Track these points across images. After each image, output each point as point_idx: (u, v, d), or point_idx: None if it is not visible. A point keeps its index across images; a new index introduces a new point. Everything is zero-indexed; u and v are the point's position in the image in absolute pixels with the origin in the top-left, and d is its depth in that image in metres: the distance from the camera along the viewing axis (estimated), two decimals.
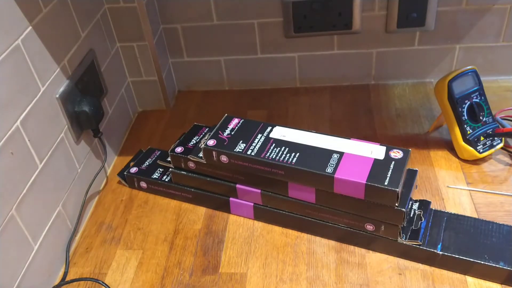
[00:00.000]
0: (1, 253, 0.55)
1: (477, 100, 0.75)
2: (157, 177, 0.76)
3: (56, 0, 0.68)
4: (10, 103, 0.57)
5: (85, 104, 0.71)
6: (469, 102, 0.74)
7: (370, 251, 0.65)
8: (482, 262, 0.58)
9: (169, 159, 0.73)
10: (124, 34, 0.88)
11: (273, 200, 0.67)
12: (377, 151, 0.62)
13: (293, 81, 0.98)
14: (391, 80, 0.96)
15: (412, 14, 0.87)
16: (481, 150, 0.74)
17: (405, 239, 0.61)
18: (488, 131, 0.75)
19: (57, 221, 0.67)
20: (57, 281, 0.66)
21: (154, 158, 0.79)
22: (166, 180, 0.75)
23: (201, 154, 0.68)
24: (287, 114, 0.91)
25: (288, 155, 0.63)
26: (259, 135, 0.67)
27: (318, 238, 0.67)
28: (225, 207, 0.72)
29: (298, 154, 0.63)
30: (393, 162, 0.60)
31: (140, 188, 0.78)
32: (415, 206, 0.65)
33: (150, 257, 0.67)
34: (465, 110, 0.74)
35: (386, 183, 0.58)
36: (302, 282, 0.62)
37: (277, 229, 0.69)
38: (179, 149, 0.71)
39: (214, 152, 0.66)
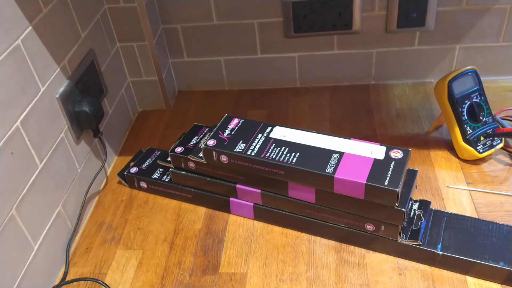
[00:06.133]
0: (1, 253, 0.55)
1: (477, 100, 0.75)
2: (157, 177, 0.76)
3: (56, 0, 0.68)
4: (10, 103, 0.57)
5: (85, 104, 0.71)
6: (469, 102, 0.74)
7: (370, 251, 0.65)
8: (482, 262, 0.58)
9: (169, 159, 0.73)
10: (124, 34, 0.88)
11: (273, 200, 0.67)
12: (377, 151, 0.62)
13: (293, 81, 0.98)
14: (391, 80, 0.96)
15: (412, 14, 0.87)
16: (481, 150, 0.74)
17: (405, 239, 0.61)
18: (488, 131, 0.75)
19: (57, 221, 0.67)
20: (57, 281, 0.66)
21: (154, 158, 0.79)
22: (166, 180, 0.75)
23: (201, 154, 0.68)
24: (287, 114, 0.91)
25: (288, 155, 0.63)
26: (259, 135, 0.67)
27: (318, 238, 0.67)
28: (225, 207, 0.72)
29: (298, 154, 0.63)
30: (393, 162, 0.60)
31: (140, 188, 0.78)
32: (415, 206, 0.65)
33: (150, 257, 0.67)
34: (465, 110, 0.74)
35: (386, 183, 0.58)
36: (302, 282, 0.62)
37: (277, 229, 0.69)
38: (179, 149, 0.71)
39: (214, 152, 0.66)
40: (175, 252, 0.68)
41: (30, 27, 0.62)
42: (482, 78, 0.75)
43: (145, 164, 0.79)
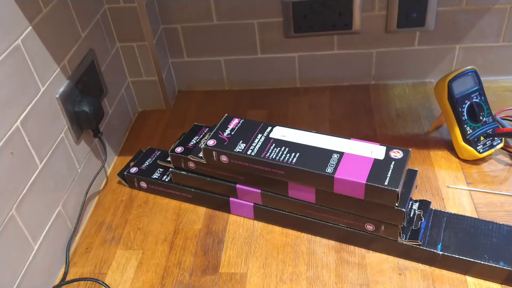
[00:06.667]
0: (1, 253, 0.55)
1: (477, 100, 0.75)
2: (157, 177, 0.76)
3: (56, 0, 0.68)
4: (10, 103, 0.57)
5: (85, 104, 0.71)
6: (469, 102, 0.74)
7: (370, 251, 0.65)
8: (482, 262, 0.58)
9: (169, 159, 0.73)
10: (124, 34, 0.88)
11: (273, 200, 0.67)
12: (377, 151, 0.62)
13: (293, 81, 0.98)
14: (391, 80, 0.96)
15: (412, 14, 0.87)
16: (481, 150, 0.74)
17: (405, 239, 0.61)
18: (488, 131, 0.75)
19: (57, 221, 0.67)
20: (57, 281, 0.66)
21: (154, 158, 0.79)
22: (166, 180, 0.75)
23: (201, 154, 0.68)
24: (287, 114, 0.91)
25: (288, 155, 0.63)
26: (259, 135, 0.67)
27: (318, 238, 0.67)
28: (225, 207, 0.72)
29: (298, 154, 0.63)
30: (393, 162, 0.60)
31: (140, 188, 0.78)
32: (415, 206, 0.65)
33: (150, 257, 0.67)
34: (465, 110, 0.74)
35: (386, 183, 0.58)
36: (302, 282, 0.62)
37: (277, 229, 0.69)
38: (179, 149, 0.71)
39: (214, 152, 0.66)
40: (175, 252, 0.68)
41: (30, 27, 0.62)
42: (482, 78, 0.75)
43: (145, 164, 0.79)
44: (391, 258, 0.63)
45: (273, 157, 0.63)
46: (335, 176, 0.59)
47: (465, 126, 0.74)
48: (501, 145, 0.75)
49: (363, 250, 0.65)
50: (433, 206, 0.68)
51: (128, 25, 0.87)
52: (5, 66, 0.56)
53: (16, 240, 0.58)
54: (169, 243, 0.69)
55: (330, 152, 0.63)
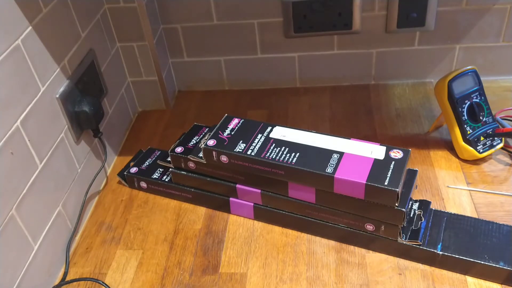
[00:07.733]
0: (1, 253, 0.55)
1: (477, 100, 0.75)
2: (157, 177, 0.76)
3: (56, 0, 0.68)
4: (10, 103, 0.57)
5: (85, 104, 0.71)
6: (469, 102, 0.74)
7: (370, 251, 0.65)
8: (482, 262, 0.58)
9: (169, 159, 0.73)
10: (124, 34, 0.88)
11: (273, 200, 0.67)
12: (377, 151, 0.62)
13: (293, 81, 0.98)
14: (391, 80, 0.96)
15: (412, 14, 0.87)
16: (481, 150, 0.74)
17: (405, 239, 0.61)
18: (488, 131, 0.75)
19: (57, 221, 0.67)
20: (57, 281, 0.66)
21: (154, 158, 0.79)
22: (166, 180, 0.75)
23: (201, 154, 0.68)
24: (287, 114, 0.91)
25: (288, 155, 0.63)
26: (259, 135, 0.67)
27: (318, 238, 0.67)
28: (225, 207, 0.72)
29: (298, 154, 0.63)
30: (393, 162, 0.60)
31: (140, 188, 0.78)
32: (415, 206, 0.65)
33: (150, 257, 0.67)
34: (465, 110, 0.74)
35: (386, 183, 0.58)
36: (302, 282, 0.62)
37: (277, 229, 0.69)
38: (179, 149, 0.71)
39: (214, 152, 0.66)
40: (175, 252, 0.68)
41: (30, 27, 0.62)
42: (482, 78, 0.75)
43: (145, 164, 0.79)
44: (391, 258, 0.63)
45: (273, 157, 0.63)
46: (335, 176, 0.59)
47: (465, 126, 0.74)
48: (501, 145, 0.75)
49: (363, 250, 0.65)
50: (433, 206, 0.68)
51: (128, 25, 0.87)
52: (5, 66, 0.56)
53: (16, 240, 0.58)
54: (169, 243, 0.69)
55: (330, 152, 0.63)
